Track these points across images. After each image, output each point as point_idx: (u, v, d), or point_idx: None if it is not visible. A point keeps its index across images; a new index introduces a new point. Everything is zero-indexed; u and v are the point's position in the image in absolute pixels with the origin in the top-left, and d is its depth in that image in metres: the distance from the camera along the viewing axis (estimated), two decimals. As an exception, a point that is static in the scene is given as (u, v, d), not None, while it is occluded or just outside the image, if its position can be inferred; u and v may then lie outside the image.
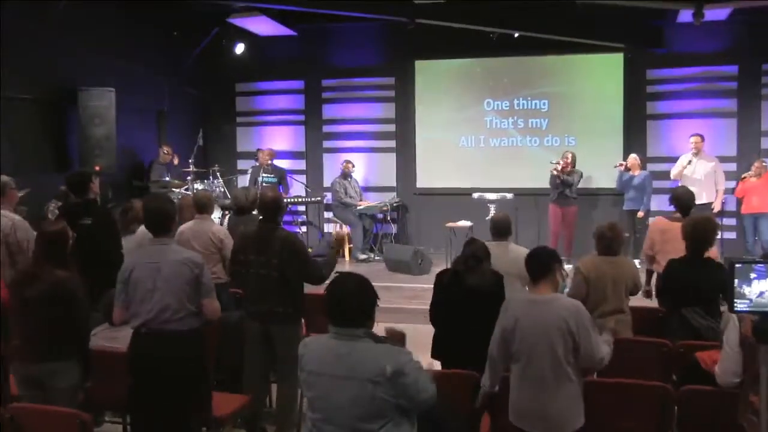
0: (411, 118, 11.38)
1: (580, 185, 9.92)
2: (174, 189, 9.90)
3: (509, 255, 5.11)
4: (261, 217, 4.78)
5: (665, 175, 9.93)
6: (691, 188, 6.02)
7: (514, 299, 3.75)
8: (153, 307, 3.82)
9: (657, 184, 9.91)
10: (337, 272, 2.92)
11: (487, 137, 11.11)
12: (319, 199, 10.95)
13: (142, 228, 5.27)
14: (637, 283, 4.76)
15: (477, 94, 11.10)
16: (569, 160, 9.76)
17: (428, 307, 4.60)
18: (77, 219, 5.52)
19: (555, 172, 9.62)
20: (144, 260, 3.92)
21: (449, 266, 4.66)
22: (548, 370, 3.41)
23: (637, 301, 5.22)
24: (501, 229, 5.33)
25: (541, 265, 3.57)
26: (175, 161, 10.22)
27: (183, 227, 5.90)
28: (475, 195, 10.07)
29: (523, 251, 5.27)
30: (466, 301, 4.31)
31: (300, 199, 10.99)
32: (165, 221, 3.95)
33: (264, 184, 10.49)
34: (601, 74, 10.60)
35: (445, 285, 4.46)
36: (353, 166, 10.98)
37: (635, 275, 4.79)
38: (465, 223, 9.75)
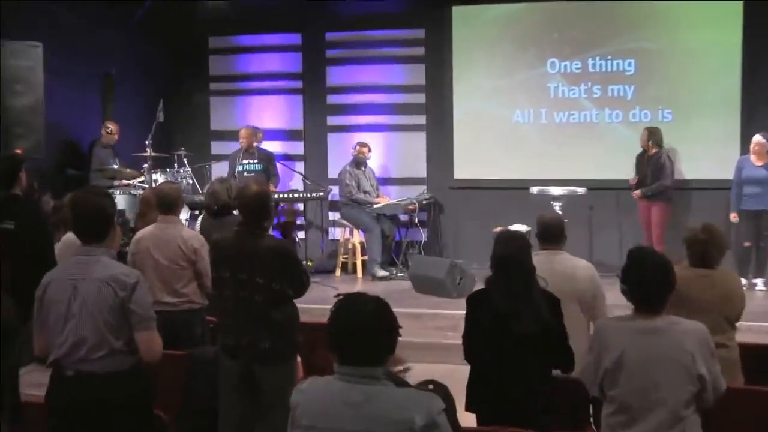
0: (446, 84, 11.37)
1: (678, 176, 9.88)
2: (125, 180, 9.93)
3: (562, 269, 5.15)
4: (242, 220, 4.87)
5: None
6: None
7: (610, 326, 3.75)
8: (65, 339, 3.89)
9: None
10: (340, 294, 2.94)
11: (551, 110, 11.10)
12: (321, 194, 10.93)
13: (69, 235, 5.30)
14: (740, 306, 4.79)
15: (537, 51, 11.08)
16: (646, 139, 9.72)
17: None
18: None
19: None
20: (61, 275, 3.99)
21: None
22: (666, 426, 3.47)
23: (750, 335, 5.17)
24: (551, 234, 5.37)
25: (662, 278, 3.59)
26: (116, 137, 10.33)
27: (142, 233, 5.99)
28: (534, 189, 10.07)
29: (581, 265, 5.28)
30: (513, 344, 4.31)
31: (296, 195, 10.99)
32: (96, 223, 3.99)
33: (245, 174, 10.60)
34: (710, 25, 10.51)
35: (483, 326, 4.43)
36: (369, 151, 11.00)
37: (739, 296, 4.79)
38: (519, 228, 9.68)
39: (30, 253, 5.56)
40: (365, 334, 2.80)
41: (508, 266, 4.39)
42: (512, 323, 4.26)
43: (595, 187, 10.29)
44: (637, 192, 9.92)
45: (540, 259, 4.63)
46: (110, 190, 9.15)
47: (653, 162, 9.82)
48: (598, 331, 3.75)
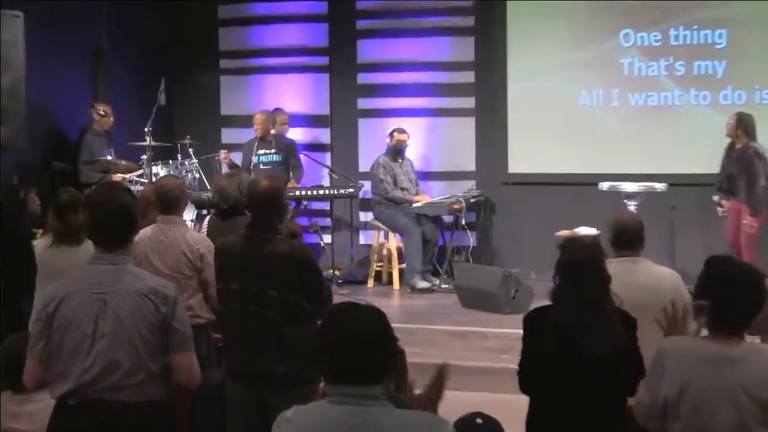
0: (499, 61, 11.39)
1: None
2: (121, 174, 9.98)
3: (642, 280, 5.12)
4: (251, 221, 4.94)
5: None
6: None
7: (676, 348, 3.69)
8: (93, 363, 3.86)
9: None
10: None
11: (625, 91, 11.08)
12: (351, 191, 10.93)
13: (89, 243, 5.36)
14: None
15: (608, 21, 11.08)
16: (734, 126, 9.50)
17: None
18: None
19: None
20: (81, 288, 3.94)
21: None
22: None
23: None
24: (629, 238, 5.36)
25: (748, 294, 3.51)
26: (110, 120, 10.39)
27: (138, 235, 5.94)
28: (604, 185, 10.05)
29: (666, 274, 5.27)
30: (582, 370, 4.29)
31: (321, 192, 10.98)
32: (122, 225, 4.02)
33: (262, 167, 10.67)
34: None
35: (545, 349, 4.40)
36: (407, 139, 10.99)
37: None
38: (587, 231, 9.62)
39: (9, 262, 5.61)
40: (363, 348, 2.84)
41: (578, 276, 4.34)
42: (581, 345, 4.22)
43: (678, 182, 10.22)
44: (720, 197, 9.63)
45: (615, 268, 4.54)
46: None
47: (739, 156, 9.46)
48: (661, 354, 3.68)
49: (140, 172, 10.09)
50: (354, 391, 2.83)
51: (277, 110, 11.33)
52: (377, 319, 2.93)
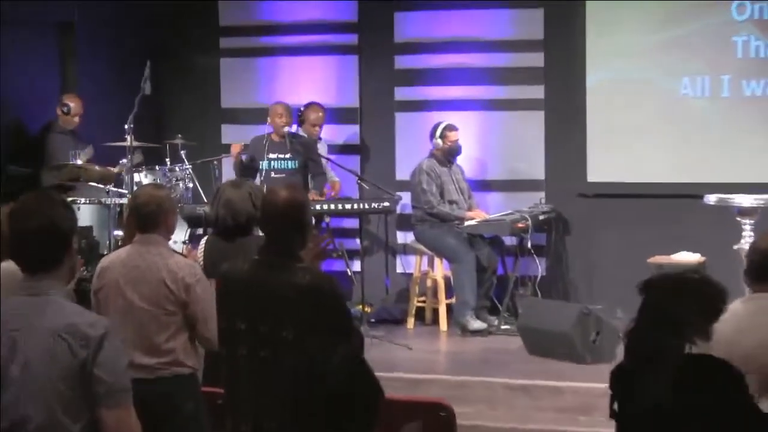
0: (576, 40, 11.43)
1: None
2: (94, 183, 10.04)
3: None
4: (264, 244, 5.01)
5: None
6: None
7: None
8: None
9: None
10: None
11: (737, 77, 11.08)
12: (386, 205, 10.90)
13: (8, 264, 5.32)
14: None
15: (715, -12, 11.10)
16: None
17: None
18: None
19: None
20: None
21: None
22: None
23: None
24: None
25: None
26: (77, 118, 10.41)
27: (109, 259, 6.11)
28: (711, 198, 9.97)
29: None
30: None
31: (347, 207, 10.95)
32: (43, 244, 4.02)
33: (273, 175, 10.68)
34: None
35: (635, 417, 4.32)
36: (457, 139, 10.99)
37: None
38: (689, 257, 9.62)
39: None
40: None
41: (662, 328, 4.27)
42: (677, 418, 4.12)
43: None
44: None
45: (750, 308, 4.43)
46: (71, 198, 9.21)
47: None
48: None
49: (119, 175, 10.17)
50: None
51: (312, 105, 11.36)
52: None
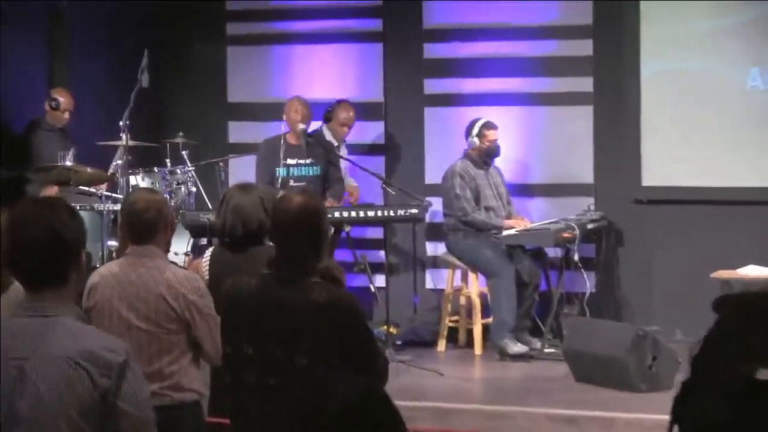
0: (630, 25, 11.45)
1: None
2: (85, 186, 10.07)
3: None
4: (275, 256, 5.06)
5: None
6: None
7: None
8: None
9: None
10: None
11: None
12: (414, 212, 10.83)
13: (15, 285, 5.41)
14: None
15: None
16: None
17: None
18: None
19: None
20: None
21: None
22: None
23: None
24: None
25: None
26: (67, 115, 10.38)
27: (100, 274, 6.12)
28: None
29: None
30: None
31: (370, 214, 10.87)
32: (48, 257, 3.98)
33: (292, 183, 10.74)
34: None
35: None
36: (496, 138, 10.99)
37: None
38: (758, 272, 9.71)
39: None
40: None
41: (733, 354, 4.16)
42: None
43: None
44: None
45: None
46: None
47: None
48: None
49: (111, 179, 10.20)
50: None
51: (343, 103, 11.37)
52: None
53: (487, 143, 10.78)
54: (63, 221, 4.02)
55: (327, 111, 11.36)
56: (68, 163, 10.11)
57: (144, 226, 6.01)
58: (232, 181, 11.13)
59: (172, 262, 6.50)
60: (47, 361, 3.83)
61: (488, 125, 10.84)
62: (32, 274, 3.99)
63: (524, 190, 11.58)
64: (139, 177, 10.26)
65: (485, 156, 10.83)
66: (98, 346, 3.89)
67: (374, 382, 4.65)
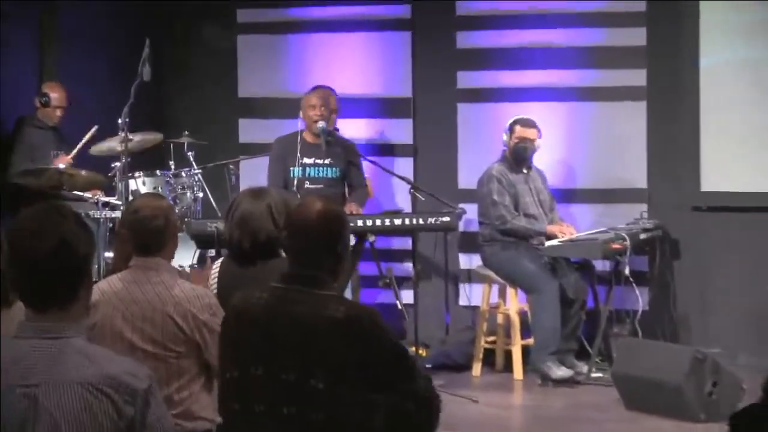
0: (687, 12, 11.45)
1: None
2: (79, 192, 10.11)
3: None
4: (288, 268, 5.07)
5: None
6: None
7: None
8: None
9: None
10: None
11: None
12: (446, 220, 10.75)
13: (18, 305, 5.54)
14: None
15: None
16: None
17: None
18: None
19: None
20: (2, 378, 3.92)
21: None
22: None
23: None
24: None
25: None
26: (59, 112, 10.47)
27: (101, 289, 6.10)
28: None
29: None
30: None
31: (398, 222, 10.77)
32: (61, 275, 3.98)
33: (308, 185, 10.81)
34: None
35: None
36: (538, 137, 11.03)
37: None
38: None
39: None
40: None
41: None
42: None
43: None
44: None
45: None
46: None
47: None
48: None
49: (109, 183, 10.24)
50: None
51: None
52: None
53: (515, 141, 10.77)
54: (74, 232, 4.02)
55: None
56: (61, 166, 10.16)
57: (151, 236, 6.06)
58: (243, 185, 11.25)
59: (181, 270, 6.49)
60: (63, 388, 3.84)
61: (521, 121, 10.86)
62: (39, 291, 3.97)
63: (569, 196, 11.61)
64: (139, 181, 10.31)
65: (514, 156, 10.83)
66: (119, 371, 3.91)
67: (419, 411, 4.62)
